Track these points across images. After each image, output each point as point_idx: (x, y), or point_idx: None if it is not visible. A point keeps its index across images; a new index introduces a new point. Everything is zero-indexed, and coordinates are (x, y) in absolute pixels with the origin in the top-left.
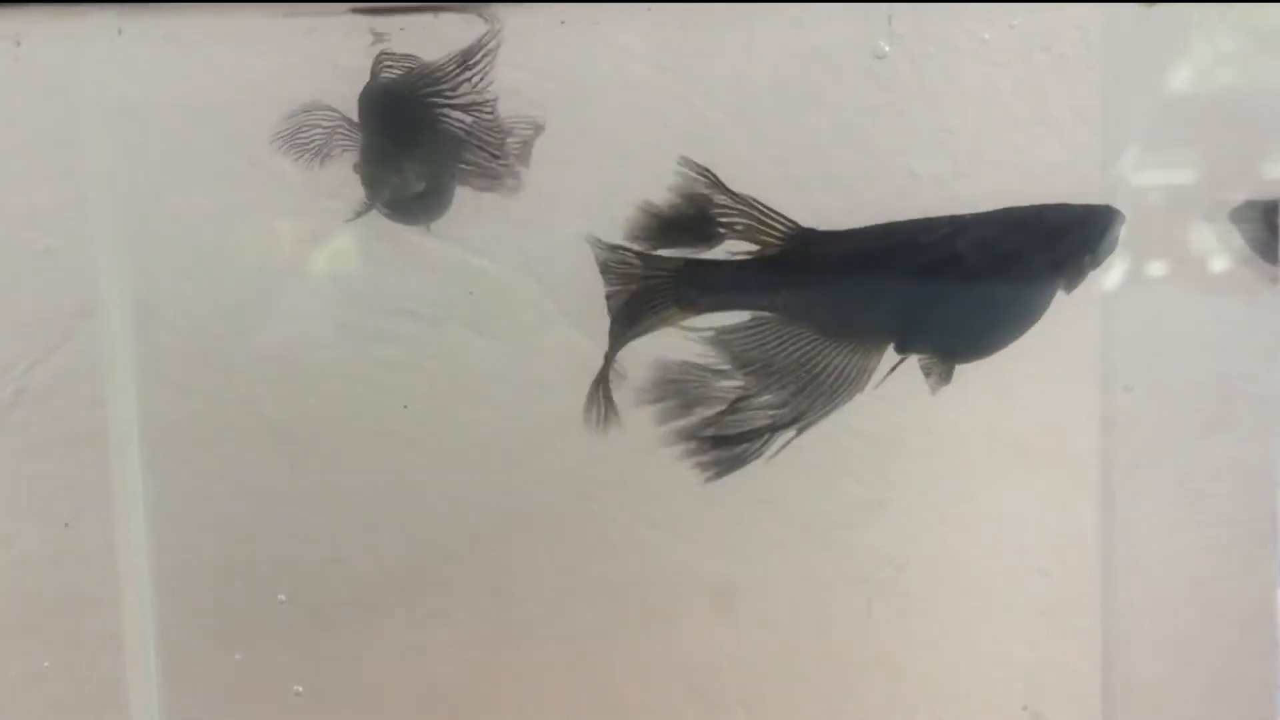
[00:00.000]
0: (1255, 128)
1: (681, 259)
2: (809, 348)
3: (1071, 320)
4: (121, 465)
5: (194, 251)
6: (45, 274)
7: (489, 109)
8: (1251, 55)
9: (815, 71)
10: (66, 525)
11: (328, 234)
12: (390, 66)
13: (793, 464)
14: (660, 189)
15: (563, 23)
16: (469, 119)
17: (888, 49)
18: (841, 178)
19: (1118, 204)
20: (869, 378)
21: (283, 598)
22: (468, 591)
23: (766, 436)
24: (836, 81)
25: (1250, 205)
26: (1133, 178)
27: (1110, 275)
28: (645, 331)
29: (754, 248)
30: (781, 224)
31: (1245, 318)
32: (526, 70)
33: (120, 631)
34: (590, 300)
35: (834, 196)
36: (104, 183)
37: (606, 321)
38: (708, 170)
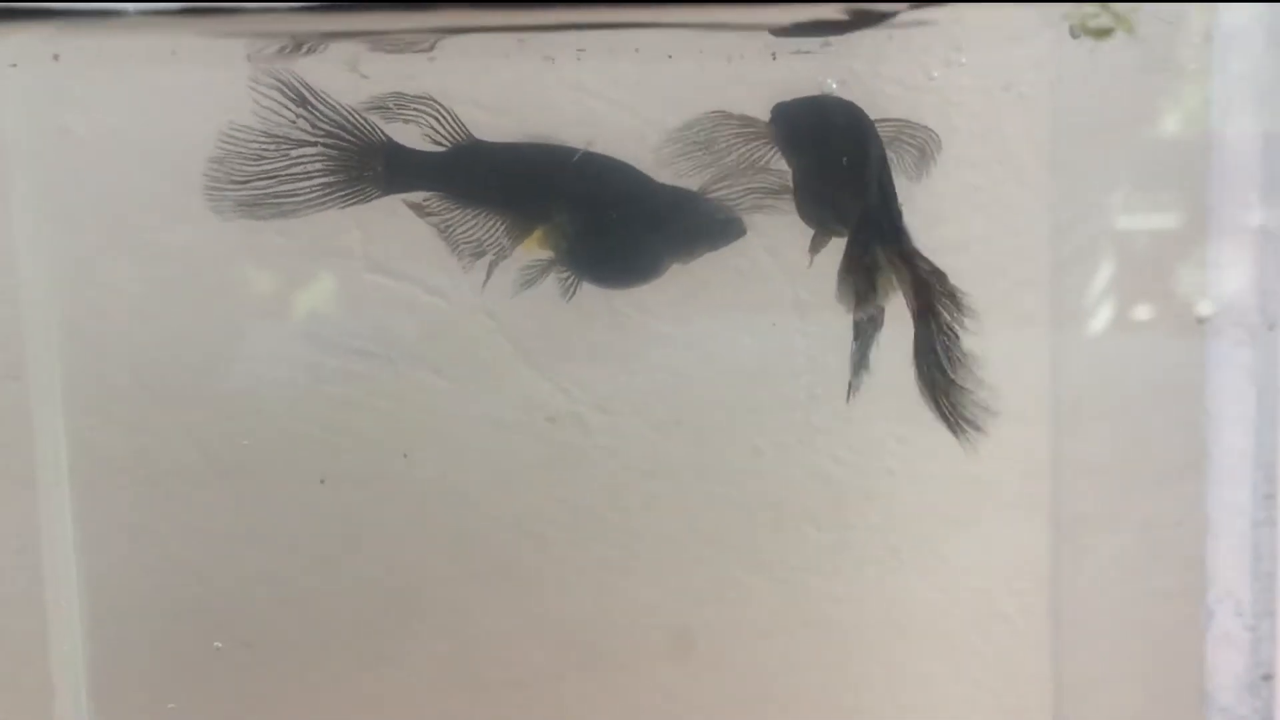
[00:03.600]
0: (1210, 168)
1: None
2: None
3: (1033, 364)
4: (50, 506)
5: (139, 286)
6: None
7: None
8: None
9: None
10: None
11: (278, 271)
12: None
13: (750, 505)
14: None
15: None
16: None
17: (835, 85)
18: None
19: (1070, 247)
20: None
21: (219, 644)
22: (420, 634)
23: None
24: None
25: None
26: (1086, 219)
27: (1068, 315)
28: None
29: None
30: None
31: (1195, 362)
32: (482, 109)
33: (50, 677)
34: (547, 339)
35: (792, 229)
36: (40, 212)
37: (563, 359)
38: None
